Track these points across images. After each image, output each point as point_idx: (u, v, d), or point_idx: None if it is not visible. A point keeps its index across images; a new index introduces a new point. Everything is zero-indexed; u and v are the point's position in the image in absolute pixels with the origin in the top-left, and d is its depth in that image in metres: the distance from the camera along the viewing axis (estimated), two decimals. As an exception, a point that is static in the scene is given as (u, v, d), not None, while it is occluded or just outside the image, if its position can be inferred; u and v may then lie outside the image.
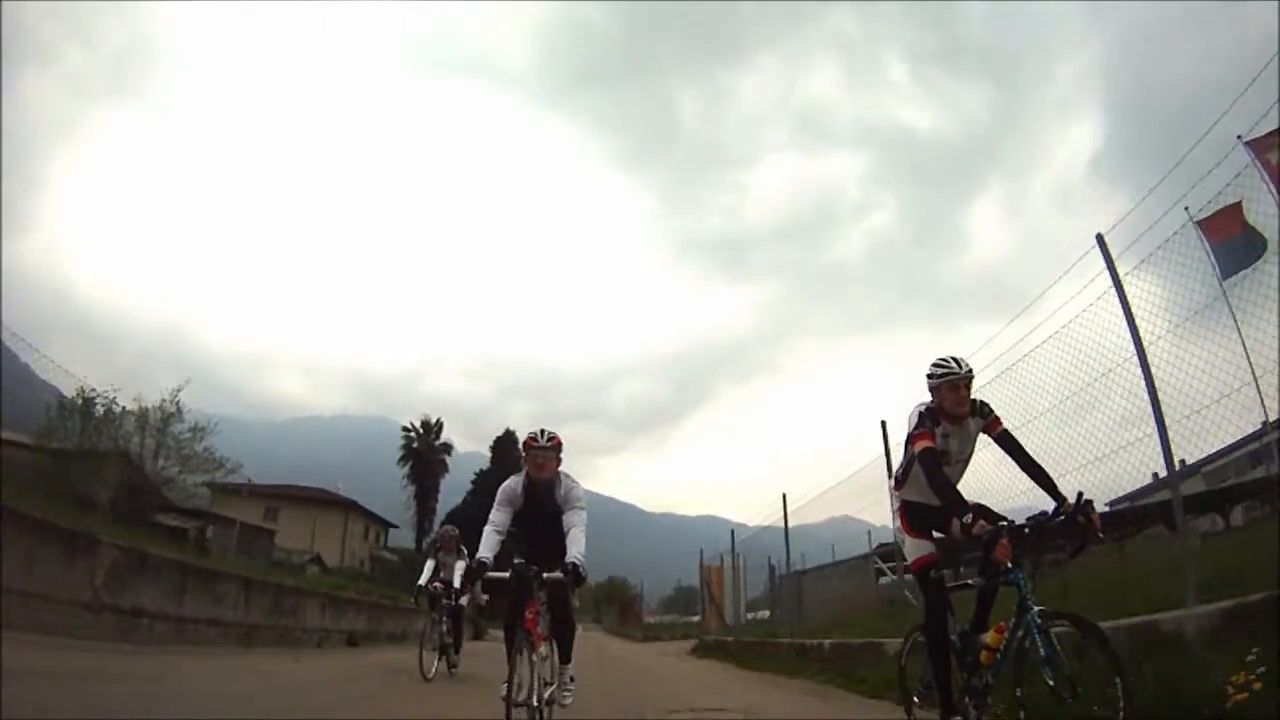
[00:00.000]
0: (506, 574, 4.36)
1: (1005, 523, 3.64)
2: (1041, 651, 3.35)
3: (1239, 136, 5.36)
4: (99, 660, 6.60)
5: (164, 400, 16.93)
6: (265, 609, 12.03)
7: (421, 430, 53.71)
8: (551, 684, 4.60)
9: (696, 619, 30.76)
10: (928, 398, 4.08)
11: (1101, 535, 3.63)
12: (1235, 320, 4.98)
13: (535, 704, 4.11)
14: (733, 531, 20.07)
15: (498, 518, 4.67)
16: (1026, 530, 3.67)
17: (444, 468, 52.93)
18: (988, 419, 4.08)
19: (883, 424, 10.19)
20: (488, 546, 4.49)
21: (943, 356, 4.06)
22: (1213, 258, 5.40)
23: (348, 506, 40.35)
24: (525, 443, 4.78)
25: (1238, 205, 5.38)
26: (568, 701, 4.80)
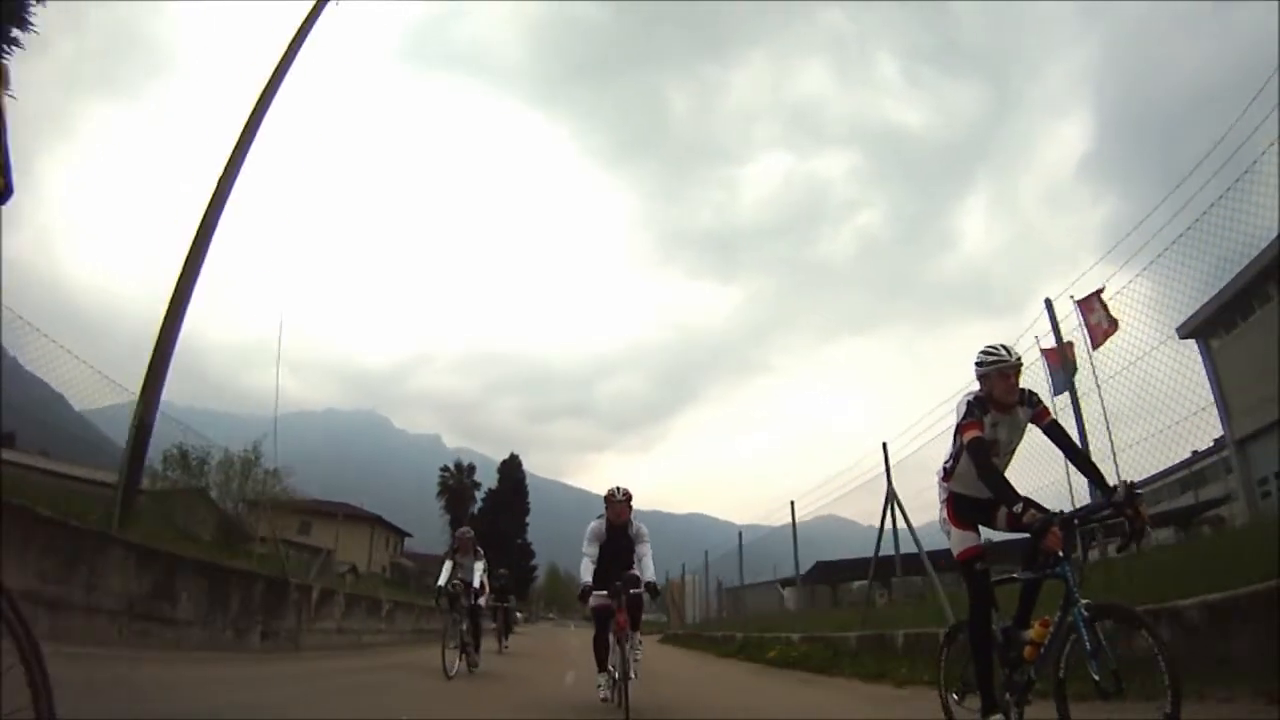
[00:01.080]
0: (605, 591, 6.30)
1: (1056, 513, 3.55)
2: (1088, 645, 3.29)
3: (1072, 296, 7.72)
4: (275, 667, 8.97)
5: (245, 450, 19.59)
6: (360, 617, 15.76)
7: (455, 470, 64.02)
8: (637, 659, 6.64)
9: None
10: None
11: (1149, 527, 3.54)
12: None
13: (627, 673, 6.07)
14: (740, 534, 22.11)
15: (590, 551, 6.53)
16: (1075, 521, 3.60)
17: (473, 499, 62.88)
18: (1036, 408, 4.02)
19: (884, 445, 11.47)
20: (588, 573, 6.44)
21: (992, 344, 4.01)
22: (1048, 375, 7.98)
23: (373, 520, 46.84)
24: (606, 497, 6.75)
25: (1070, 344, 7.85)
26: (639, 655, 6.75)
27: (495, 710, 6.84)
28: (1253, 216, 5.67)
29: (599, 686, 6.32)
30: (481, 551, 10.46)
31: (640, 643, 6.90)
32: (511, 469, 62.49)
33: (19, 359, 8.36)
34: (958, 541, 4.12)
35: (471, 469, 63.83)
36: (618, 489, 6.70)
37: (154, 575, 8.39)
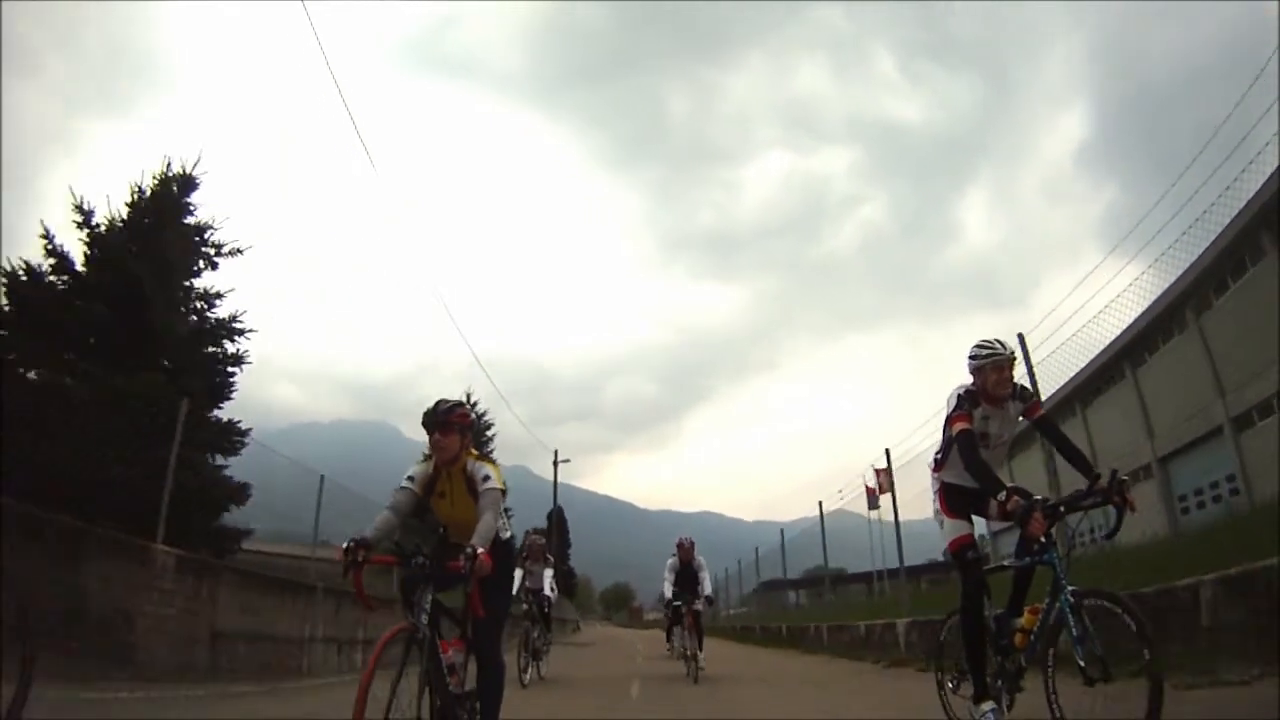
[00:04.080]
0: (679, 602, 10.22)
1: (1039, 498, 3.60)
2: (1074, 631, 3.34)
3: (873, 465, 11.99)
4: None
5: None
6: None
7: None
8: (701, 654, 9.67)
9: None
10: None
11: (1135, 512, 3.57)
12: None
13: (696, 654, 9.57)
14: (782, 531, 23.80)
15: (669, 576, 10.57)
16: (1061, 508, 3.65)
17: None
18: (1028, 403, 4.08)
19: (887, 451, 12.77)
20: (669, 590, 10.56)
21: (986, 339, 4.06)
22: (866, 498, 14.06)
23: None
24: (678, 544, 10.62)
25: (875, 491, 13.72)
26: (703, 663, 9.69)
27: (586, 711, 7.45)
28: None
29: (668, 650, 10.94)
30: (551, 559, 10.92)
31: (702, 640, 9.92)
32: (560, 519, 60.85)
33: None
34: (950, 531, 4.16)
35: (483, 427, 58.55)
36: (687, 539, 10.66)
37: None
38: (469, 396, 28.96)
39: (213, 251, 13.33)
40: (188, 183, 13.17)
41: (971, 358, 4.04)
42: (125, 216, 12.40)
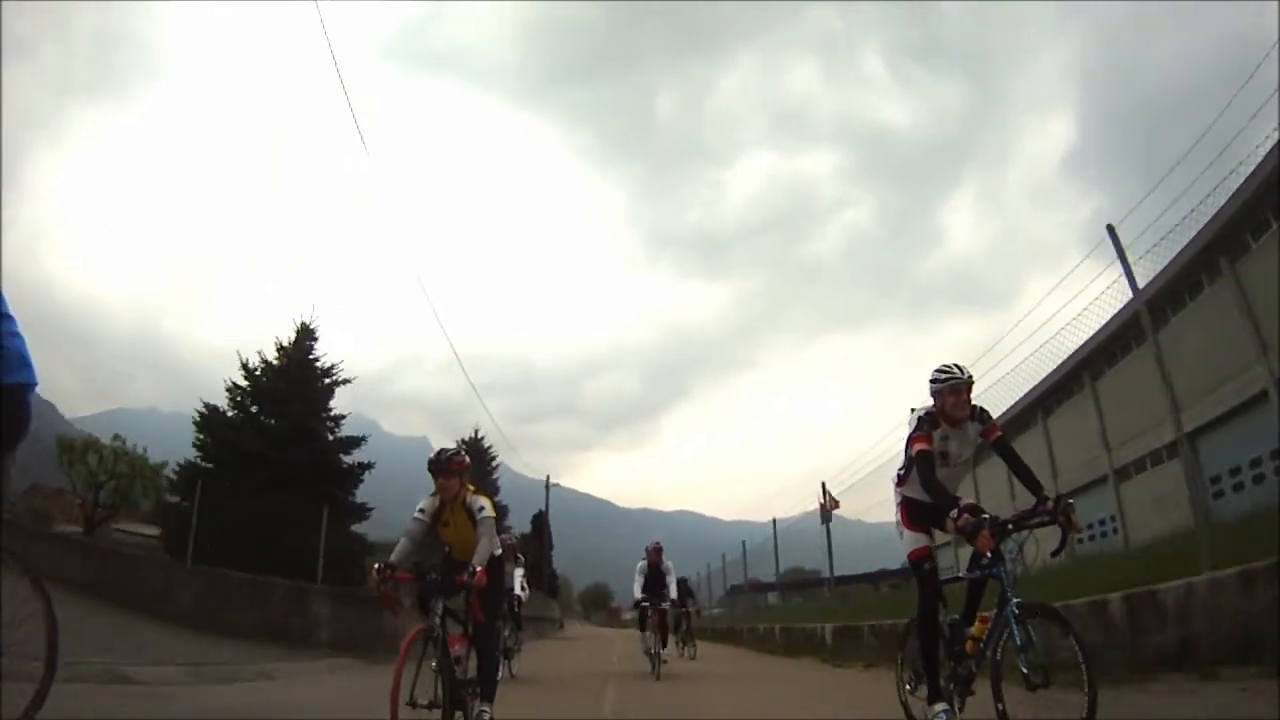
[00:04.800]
0: (648, 601, 10.76)
1: (987, 516, 3.88)
2: (1018, 640, 3.63)
3: (823, 482, 13.71)
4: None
5: None
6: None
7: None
8: (682, 654, 12.17)
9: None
10: (916, 397, 4.31)
11: (1078, 532, 3.88)
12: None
13: (657, 650, 10.18)
14: (774, 520, 24.08)
15: (639, 579, 11.19)
16: (1010, 525, 3.93)
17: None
18: (986, 425, 4.34)
19: (823, 484, 14.12)
20: (638, 590, 11.06)
21: (945, 363, 4.32)
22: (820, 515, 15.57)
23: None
24: (648, 548, 11.30)
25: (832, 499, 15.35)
26: (695, 655, 12.50)
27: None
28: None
29: (645, 649, 10.67)
30: (522, 558, 10.95)
31: (669, 640, 11.59)
32: (540, 524, 58.91)
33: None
34: (909, 542, 4.44)
35: (507, 510, 55.99)
36: (655, 544, 11.30)
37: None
38: (477, 432, 34.57)
39: (331, 382, 19.68)
40: (310, 333, 19.67)
41: (932, 381, 4.31)
42: (275, 363, 18.94)
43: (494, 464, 34.07)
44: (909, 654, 4.77)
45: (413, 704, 3.79)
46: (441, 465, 4.74)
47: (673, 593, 11.24)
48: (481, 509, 4.69)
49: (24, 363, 2.90)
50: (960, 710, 4.12)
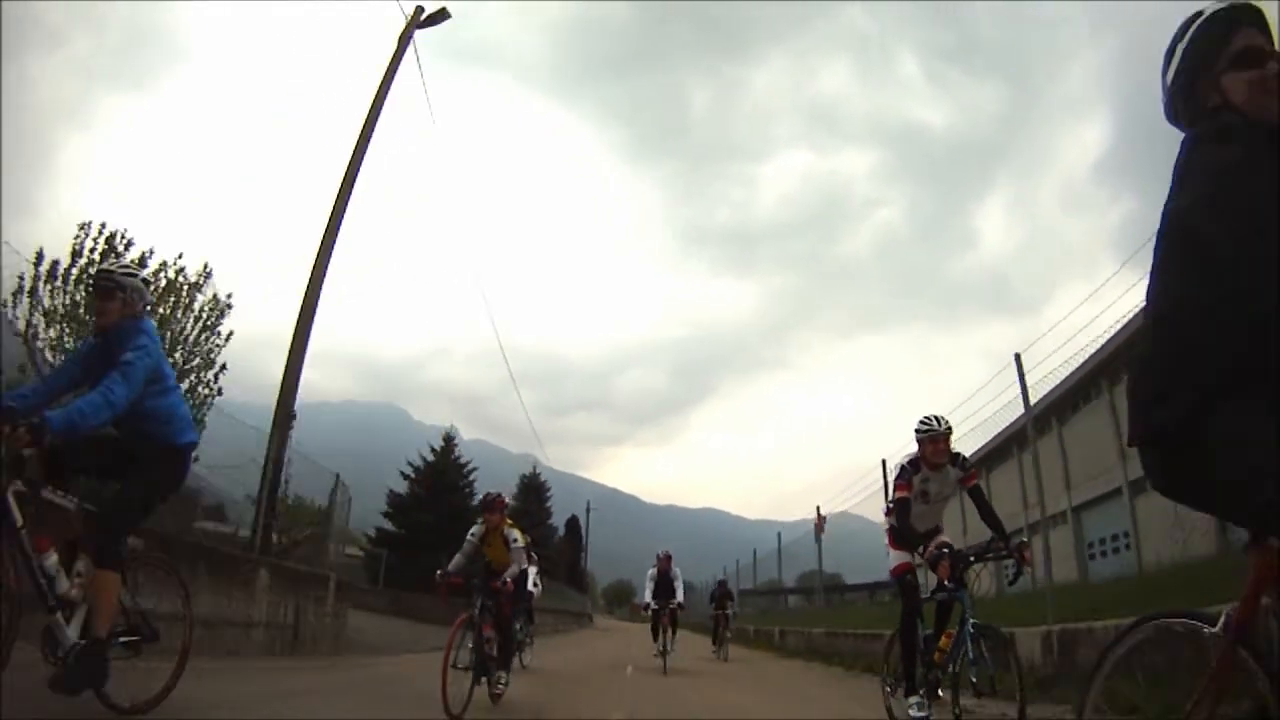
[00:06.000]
0: (658, 606, 12.05)
1: (948, 549, 4.61)
2: (970, 655, 4.33)
3: (818, 506, 15.49)
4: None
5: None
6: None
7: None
8: (673, 649, 11.66)
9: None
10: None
11: (1030, 567, 4.60)
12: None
13: (668, 648, 11.42)
14: (779, 534, 25.29)
15: (650, 586, 12.38)
16: (972, 558, 4.64)
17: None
18: (966, 471, 5.07)
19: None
20: (649, 595, 12.33)
21: (926, 416, 5.06)
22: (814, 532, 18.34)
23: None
24: (660, 555, 12.50)
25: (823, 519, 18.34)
26: (673, 649, 11.65)
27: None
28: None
29: (655, 653, 11.60)
30: (535, 557, 11.47)
31: (675, 636, 12.15)
32: (574, 527, 59.56)
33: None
34: (894, 559, 5.21)
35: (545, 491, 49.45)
36: (665, 553, 12.57)
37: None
38: (535, 468, 41.09)
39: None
40: (451, 439, 27.11)
41: (916, 432, 5.05)
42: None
43: (549, 495, 40.73)
44: (891, 662, 5.48)
45: (455, 666, 5.12)
46: (488, 504, 6.68)
47: (679, 597, 12.37)
48: (515, 539, 6.39)
49: (190, 425, 3.66)
50: (930, 708, 4.81)
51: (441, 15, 12.45)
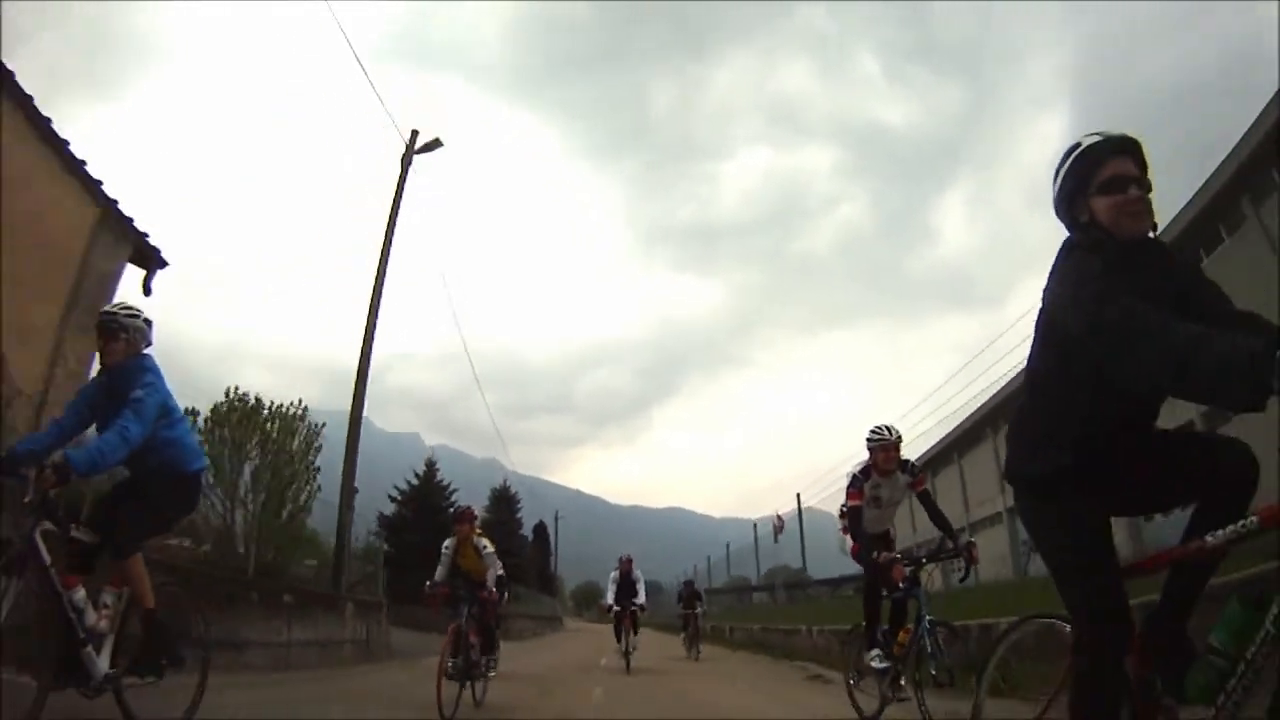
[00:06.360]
0: (619, 607, 12.38)
1: (900, 555, 5.03)
2: (929, 648, 4.71)
3: (777, 510, 22.20)
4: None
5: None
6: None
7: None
8: (635, 648, 11.93)
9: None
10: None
11: (978, 566, 5.03)
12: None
13: (630, 649, 11.69)
14: (755, 525, 25.30)
15: (612, 588, 12.77)
16: (924, 560, 5.04)
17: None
18: (915, 477, 5.46)
19: (782, 513, 17.59)
20: (611, 597, 12.72)
21: (877, 426, 5.43)
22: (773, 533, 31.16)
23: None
24: (622, 558, 12.92)
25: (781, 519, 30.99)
26: (635, 648, 11.96)
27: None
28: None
29: (619, 652, 11.93)
30: (499, 563, 11.76)
31: (636, 636, 12.46)
32: (541, 532, 60.07)
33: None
34: (849, 546, 5.55)
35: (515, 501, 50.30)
36: (626, 556, 13.00)
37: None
38: (505, 481, 41.78)
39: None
40: (434, 464, 28.50)
41: (867, 440, 5.43)
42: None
43: (519, 505, 42.31)
44: (851, 656, 5.88)
45: (448, 676, 5.71)
46: (457, 517, 7.23)
47: (641, 598, 12.87)
48: (485, 547, 6.80)
49: (198, 452, 3.87)
50: (892, 696, 5.15)
51: (435, 144, 14.87)
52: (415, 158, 14.26)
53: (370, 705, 6.59)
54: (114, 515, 3.42)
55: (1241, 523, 1.72)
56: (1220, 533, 1.76)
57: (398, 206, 14.02)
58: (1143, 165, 2.06)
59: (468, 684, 6.16)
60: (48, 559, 2.99)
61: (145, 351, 3.68)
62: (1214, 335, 1.52)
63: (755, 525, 24.58)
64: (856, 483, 5.39)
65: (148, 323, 3.79)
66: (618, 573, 12.96)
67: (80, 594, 3.11)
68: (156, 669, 3.47)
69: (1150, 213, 2.02)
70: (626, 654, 11.78)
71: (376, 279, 13.71)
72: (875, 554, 5.08)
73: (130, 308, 3.86)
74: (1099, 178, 2.04)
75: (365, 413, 14.07)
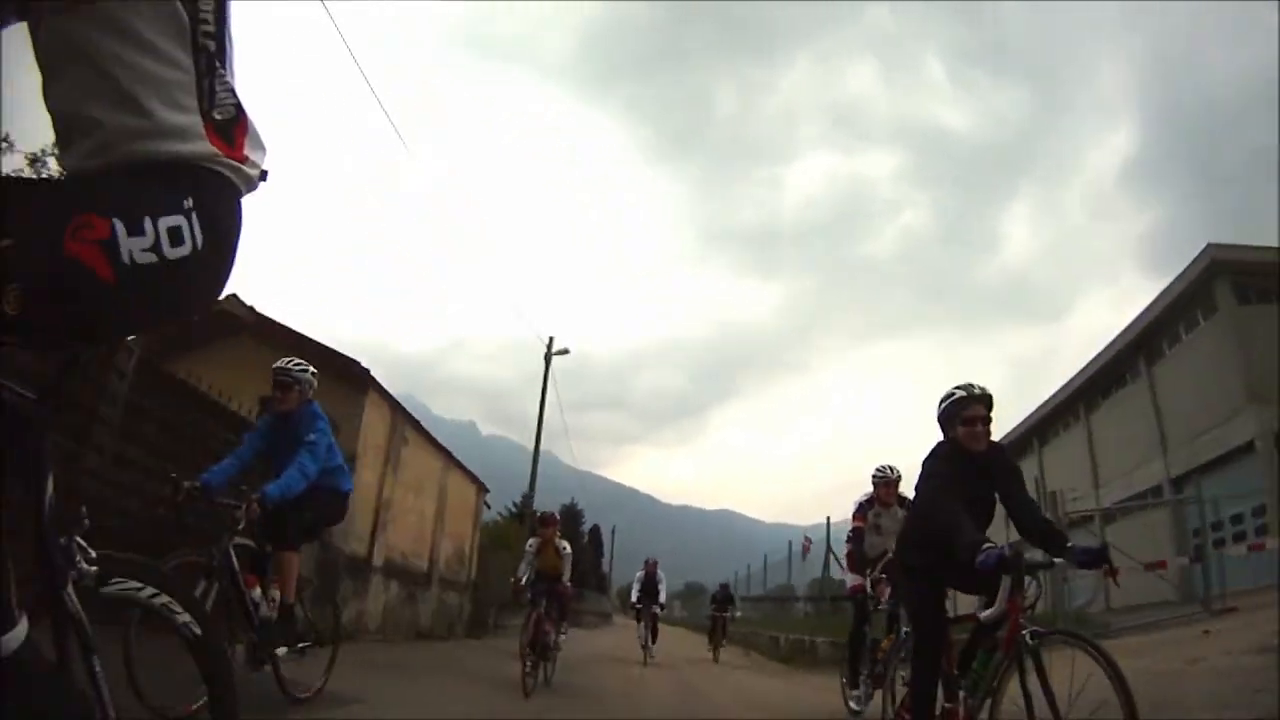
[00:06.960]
0: (640, 605, 13.78)
1: (884, 576, 5.94)
2: (905, 655, 5.61)
3: (805, 534, 18.95)
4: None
5: None
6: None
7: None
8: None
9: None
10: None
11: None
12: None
13: (649, 641, 13.15)
14: (818, 524, 25.97)
15: (636, 586, 14.14)
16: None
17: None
18: (909, 513, 6.33)
19: (807, 537, 17.13)
20: (635, 595, 14.13)
21: (880, 466, 6.34)
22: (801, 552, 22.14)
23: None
24: (647, 561, 14.26)
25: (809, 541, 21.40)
26: (654, 657, 12.92)
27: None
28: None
29: (639, 639, 13.30)
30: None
31: (655, 643, 13.46)
32: (595, 536, 62.36)
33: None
34: (850, 581, 6.54)
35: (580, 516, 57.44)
36: (651, 559, 14.21)
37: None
38: (573, 499, 46.14)
39: None
40: None
41: (873, 477, 6.37)
42: None
43: (583, 519, 45.78)
44: (846, 663, 6.83)
45: (523, 653, 6.91)
46: (543, 520, 8.48)
47: (662, 598, 14.06)
48: (564, 548, 7.97)
49: (348, 476, 4.89)
50: (870, 699, 6.10)
51: (564, 351, 23.87)
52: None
53: (452, 678, 7.91)
54: (279, 523, 4.32)
55: (995, 609, 3.22)
56: (986, 612, 3.27)
57: (544, 401, 22.67)
58: (989, 407, 3.53)
59: (541, 665, 7.26)
60: (237, 567, 4.03)
61: (310, 398, 4.54)
62: (966, 531, 3.10)
63: (807, 535, 24.85)
64: (862, 510, 6.33)
65: (314, 374, 4.51)
66: (643, 573, 14.07)
67: (257, 591, 4.19)
68: (299, 648, 4.48)
69: (988, 437, 3.50)
70: (645, 648, 12.94)
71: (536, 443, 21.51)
72: (869, 572, 6.08)
73: (301, 362, 4.50)
74: (963, 415, 3.51)
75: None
